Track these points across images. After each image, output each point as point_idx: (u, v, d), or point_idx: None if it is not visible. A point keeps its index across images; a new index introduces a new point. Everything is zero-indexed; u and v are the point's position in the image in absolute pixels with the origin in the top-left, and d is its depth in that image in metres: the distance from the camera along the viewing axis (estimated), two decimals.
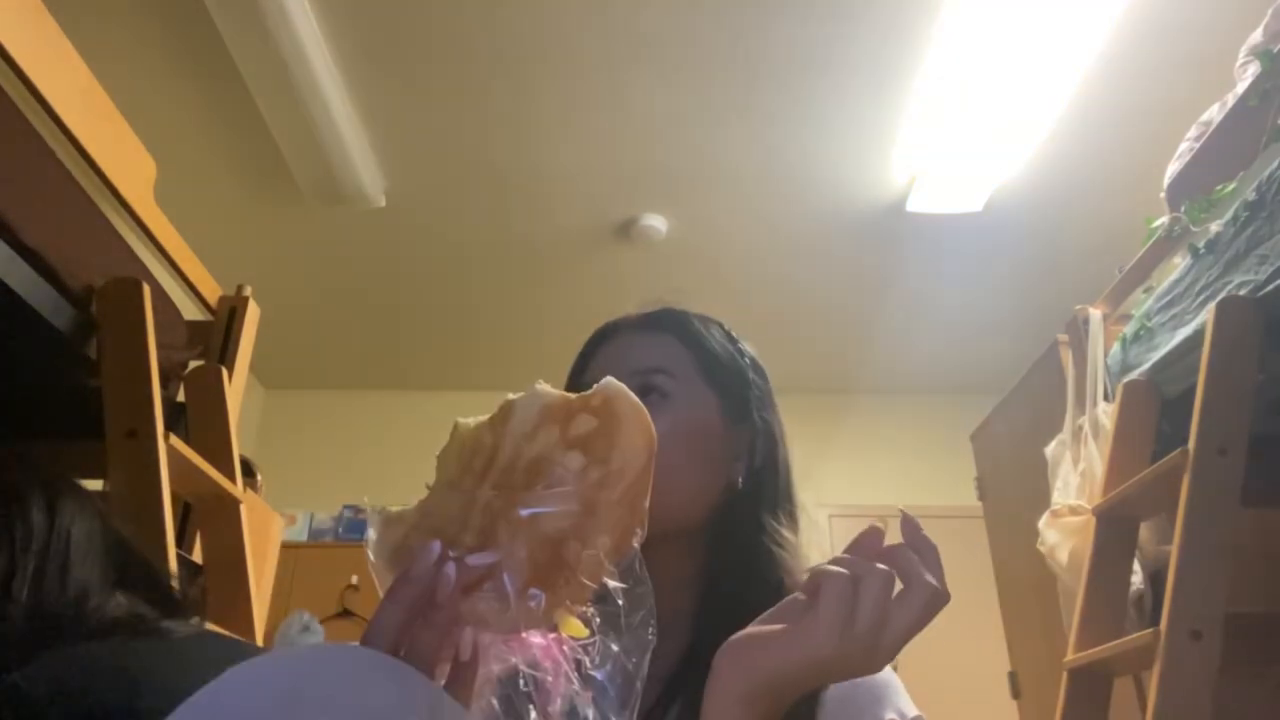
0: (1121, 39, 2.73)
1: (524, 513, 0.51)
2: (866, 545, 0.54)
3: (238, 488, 1.66)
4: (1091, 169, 3.30)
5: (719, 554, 0.76)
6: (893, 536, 0.54)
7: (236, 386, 1.83)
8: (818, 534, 0.81)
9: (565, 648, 0.51)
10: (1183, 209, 1.85)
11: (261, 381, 4.89)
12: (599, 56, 2.85)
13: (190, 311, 1.90)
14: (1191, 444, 1.49)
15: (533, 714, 0.50)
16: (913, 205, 3.46)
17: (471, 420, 0.55)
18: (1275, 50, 1.69)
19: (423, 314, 4.35)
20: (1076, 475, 1.97)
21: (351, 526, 4.37)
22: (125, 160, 1.59)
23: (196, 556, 1.68)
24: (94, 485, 1.26)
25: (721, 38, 2.77)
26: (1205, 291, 1.66)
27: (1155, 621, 1.45)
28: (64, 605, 0.75)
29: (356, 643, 0.47)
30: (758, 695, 0.51)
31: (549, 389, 0.54)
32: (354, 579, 4.05)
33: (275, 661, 0.46)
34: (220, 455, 1.64)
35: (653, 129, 3.15)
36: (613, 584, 0.51)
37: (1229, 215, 1.63)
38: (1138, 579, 1.75)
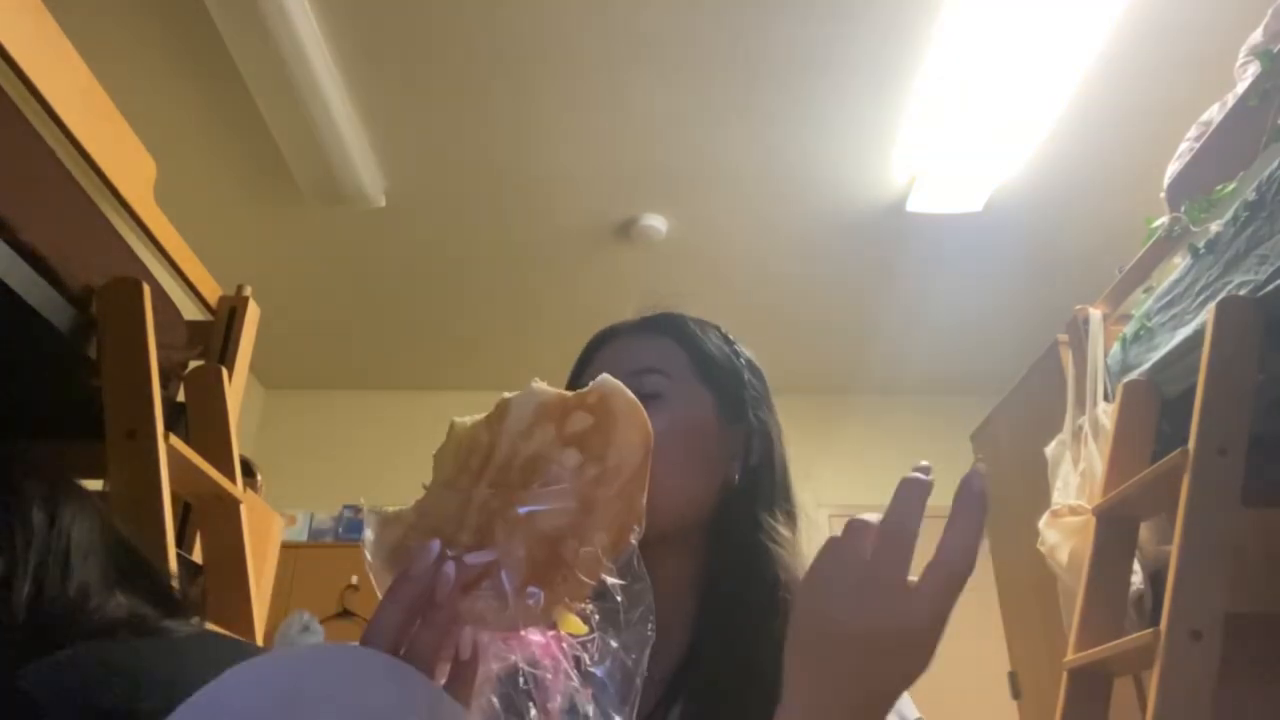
0: (1121, 39, 2.73)
1: (521, 511, 0.51)
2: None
3: (238, 488, 1.66)
4: (1091, 169, 3.30)
5: (717, 553, 0.77)
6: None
7: (236, 386, 1.83)
8: (817, 533, 0.81)
9: (564, 645, 0.51)
10: (1183, 209, 1.85)
11: (261, 381, 4.89)
12: (599, 56, 2.85)
13: (190, 311, 1.90)
14: (1191, 444, 1.49)
15: (533, 711, 0.51)
16: (913, 205, 3.46)
17: (468, 419, 0.55)
18: (1275, 50, 1.69)
19: (423, 314, 4.35)
20: (1076, 475, 1.97)
21: (351, 526, 4.37)
22: (125, 160, 1.59)
23: (196, 556, 1.68)
24: (94, 485, 1.26)
25: (721, 38, 2.77)
26: (1205, 291, 1.66)
27: (1155, 621, 1.45)
28: (64, 605, 0.75)
29: (356, 643, 0.47)
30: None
31: (545, 387, 0.54)
32: (354, 579, 4.05)
33: (275, 661, 0.46)
34: (220, 455, 1.64)
35: (653, 129, 3.15)
36: (611, 581, 0.51)
37: (1229, 215, 1.63)
38: (1138, 579, 1.75)
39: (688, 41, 2.78)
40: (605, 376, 0.54)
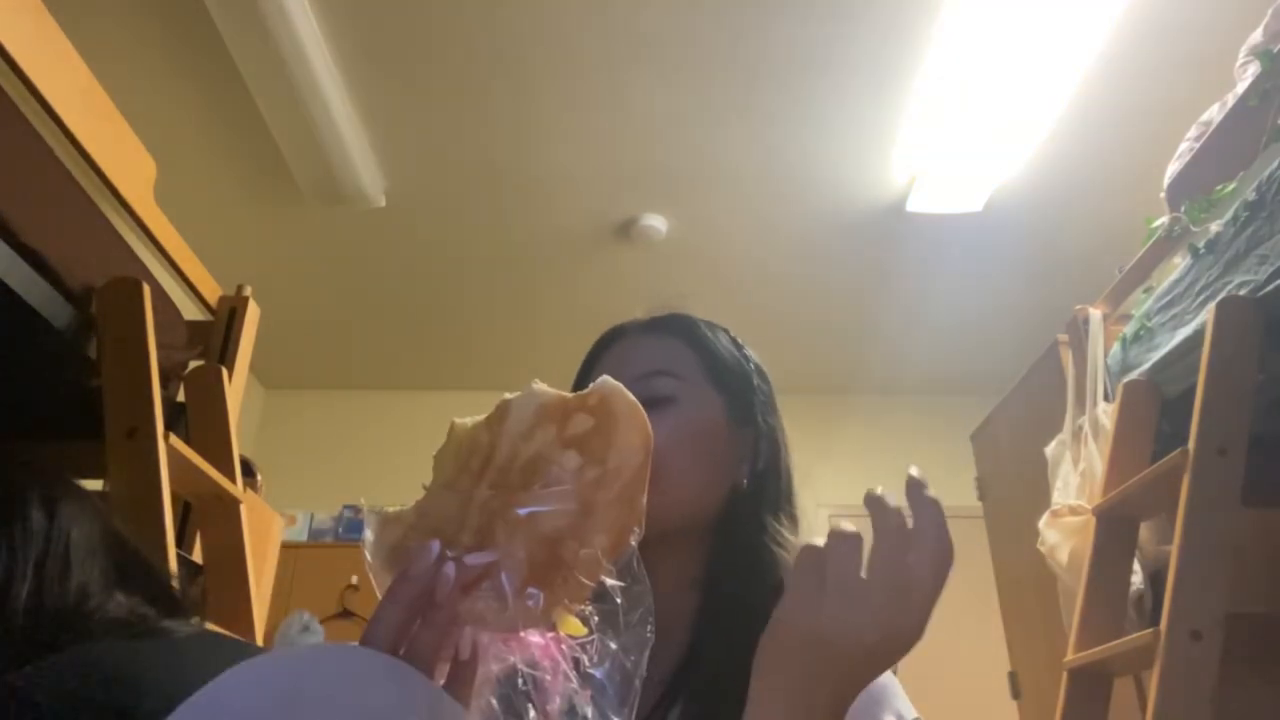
0: (1121, 39, 2.73)
1: (521, 512, 0.51)
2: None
3: (238, 488, 1.66)
4: (1091, 169, 3.30)
5: (721, 554, 0.77)
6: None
7: (236, 386, 1.83)
8: (816, 534, 0.81)
9: (564, 646, 0.51)
10: (1183, 209, 1.85)
11: (261, 381, 4.89)
12: (599, 56, 2.85)
13: (190, 311, 1.90)
14: (1191, 444, 1.49)
15: (532, 713, 0.51)
16: (913, 205, 3.46)
17: (468, 420, 0.55)
18: (1275, 50, 1.69)
19: (423, 314, 4.35)
20: (1076, 475, 1.97)
21: (351, 526, 4.37)
22: (125, 160, 1.59)
23: (196, 556, 1.68)
24: (94, 485, 1.26)
25: (721, 38, 2.77)
26: (1205, 291, 1.66)
27: (1155, 621, 1.45)
28: (64, 605, 0.75)
29: (356, 643, 0.47)
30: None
31: (545, 388, 0.54)
32: (354, 579, 4.05)
33: (275, 661, 0.46)
34: (220, 455, 1.64)
35: (653, 129, 3.15)
36: (611, 582, 0.51)
37: (1229, 215, 1.63)
38: (1138, 579, 1.75)
39: (688, 41, 2.78)
40: (606, 378, 0.54)
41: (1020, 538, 2.31)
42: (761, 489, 0.79)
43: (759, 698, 0.50)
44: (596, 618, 0.51)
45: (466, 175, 3.39)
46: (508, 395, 0.54)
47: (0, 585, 0.73)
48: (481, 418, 0.54)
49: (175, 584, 0.86)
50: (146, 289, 1.50)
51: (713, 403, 0.80)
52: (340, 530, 4.39)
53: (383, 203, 3.46)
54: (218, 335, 1.91)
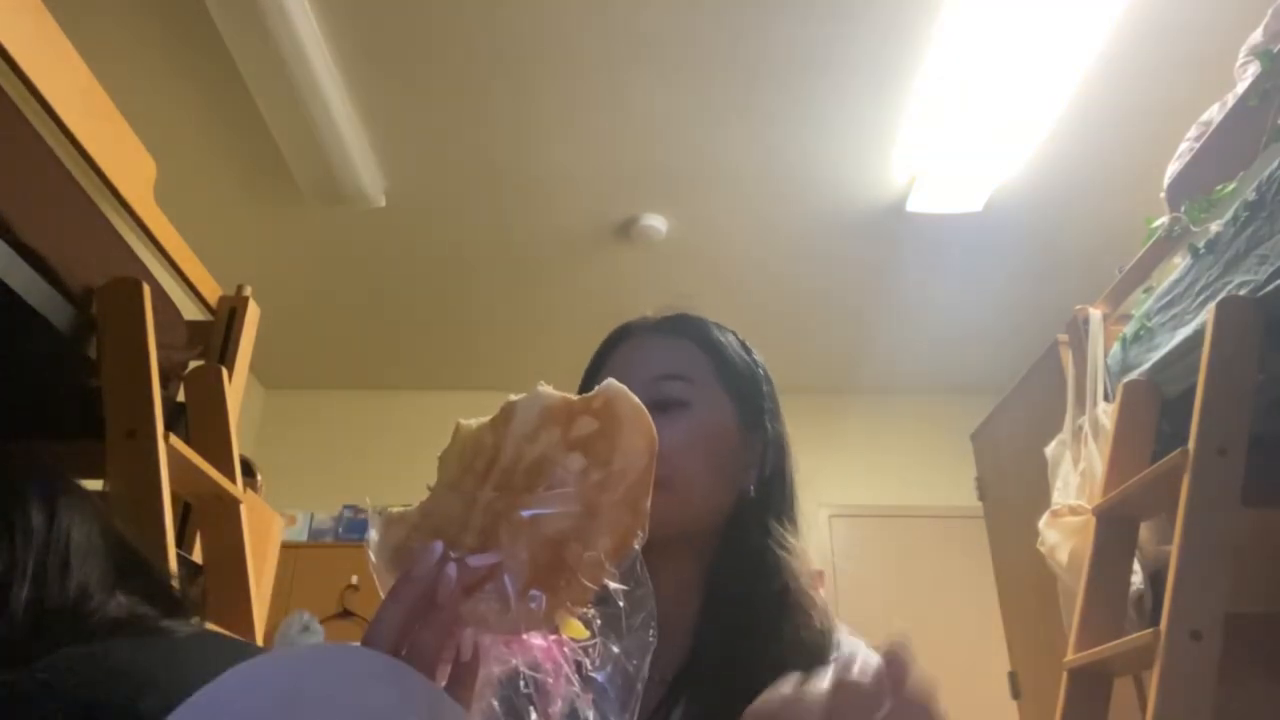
0: (1121, 39, 2.73)
1: (525, 514, 0.51)
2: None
3: (238, 488, 1.66)
4: (1091, 169, 3.30)
5: (726, 557, 0.77)
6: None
7: (236, 386, 1.83)
8: (816, 534, 0.82)
9: (566, 649, 0.51)
10: (1183, 209, 1.85)
11: (261, 381, 4.89)
12: (599, 56, 2.85)
13: (190, 311, 1.90)
14: (1191, 444, 1.49)
15: (533, 715, 0.50)
16: (913, 205, 3.46)
17: (473, 421, 0.55)
18: (1275, 50, 1.69)
19: (423, 314, 4.35)
20: (1076, 475, 1.97)
21: (351, 526, 4.37)
22: (125, 160, 1.59)
23: (196, 556, 1.68)
24: (94, 485, 1.26)
25: (721, 38, 2.77)
26: (1205, 291, 1.66)
27: (1155, 621, 1.45)
28: (64, 605, 0.75)
29: (357, 643, 0.47)
30: None
31: (550, 390, 0.54)
32: (354, 579, 4.05)
33: (275, 661, 0.45)
34: (220, 455, 1.64)
35: (653, 129, 3.15)
36: (614, 586, 0.51)
37: (1229, 215, 1.63)
38: (1138, 579, 1.75)
39: (688, 41, 2.78)
40: (611, 381, 0.54)
41: (1020, 538, 2.31)
42: (768, 494, 0.79)
43: None
44: (599, 621, 0.51)
45: (466, 175, 3.39)
46: (513, 397, 0.54)
47: (0, 584, 0.73)
48: (486, 419, 0.54)
49: (175, 584, 0.86)
50: (146, 289, 1.50)
51: (724, 408, 0.80)
52: (340, 530, 4.39)
53: (383, 203, 3.46)
54: (218, 335, 1.91)
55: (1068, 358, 2.16)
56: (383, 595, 0.50)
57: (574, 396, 0.54)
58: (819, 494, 4.50)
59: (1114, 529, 1.74)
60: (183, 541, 1.69)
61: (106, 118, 1.54)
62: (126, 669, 0.68)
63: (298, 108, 2.86)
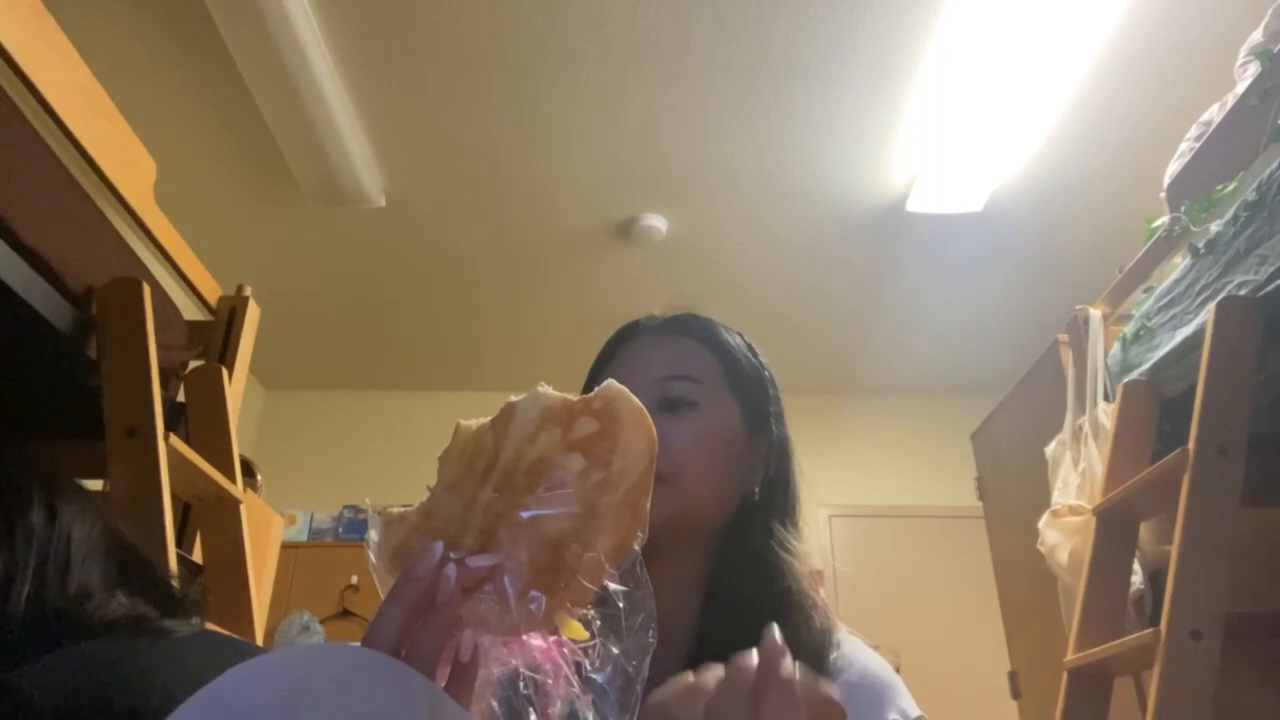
0: (1121, 39, 2.73)
1: (525, 515, 0.51)
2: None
3: (238, 488, 1.66)
4: (1091, 169, 3.30)
5: (728, 559, 0.77)
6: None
7: (236, 386, 1.83)
8: (816, 534, 0.82)
9: (565, 650, 0.51)
10: (1183, 209, 1.85)
11: (261, 381, 4.89)
12: (599, 56, 2.85)
13: (190, 311, 1.90)
14: (1191, 444, 1.49)
15: (533, 716, 0.50)
16: (913, 205, 3.46)
17: (473, 422, 0.55)
18: (1275, 50, 1.69)
19: (423, 314, 4.35)
20: (1076, 475, 1.97)
21: (351, 526, 4.37)
22: (125, 160, 1.58)
23: (196, 556, 1.68)
24: (94, 485, 1.26)
25: (721, 38, 2.77)
26: (1205, 291, 1.66)
27: (1155, 621, 1.45)
28: (64, 605, 0.75)
29: (357, 643, 0.47)
30: None
31: (550, 391, 0.54)
32: (354, 579, 4.05)
33: (276, 661, 0.45)
34: (220, 455, 1.64)
35: (653, 129, 3.15)
36: (613, 586, 0.51)
37: (1229, 215, 1.63)
38: (1138, 579, 1.75)
39: (688, 41, 2.78)
40: (611, 382, 0.54)
41: (1020, 538, 2.31)
42: (771, 497, 0.80)
43: None
44: (599, 622, 0.51)
45: (466, 175, 3.39)
46: (513, 397, 0.54)
47: (0, 585, 0.73)
48: (486, 420, 0.54)
49: (175, 584, 0.86)
50: (146, 289, 1.50)
51: (731, 410, 0.80)
52: (340, 530, 4.39)
53: (383, 203, 3.46)
54: (218, 335, 1.91)
55: (1068, 358, 2.16)
56: (383, 596, 0.50)
57: (574, 397, 0.54)
58: (819, 494, 4.50)
59: (1114, 529, 1.75)
60: (183, 541, 1.69)
61: (106, 118, 1.54)
62: (127, 669, 0.68)
63: (298, 108, 2.86)
